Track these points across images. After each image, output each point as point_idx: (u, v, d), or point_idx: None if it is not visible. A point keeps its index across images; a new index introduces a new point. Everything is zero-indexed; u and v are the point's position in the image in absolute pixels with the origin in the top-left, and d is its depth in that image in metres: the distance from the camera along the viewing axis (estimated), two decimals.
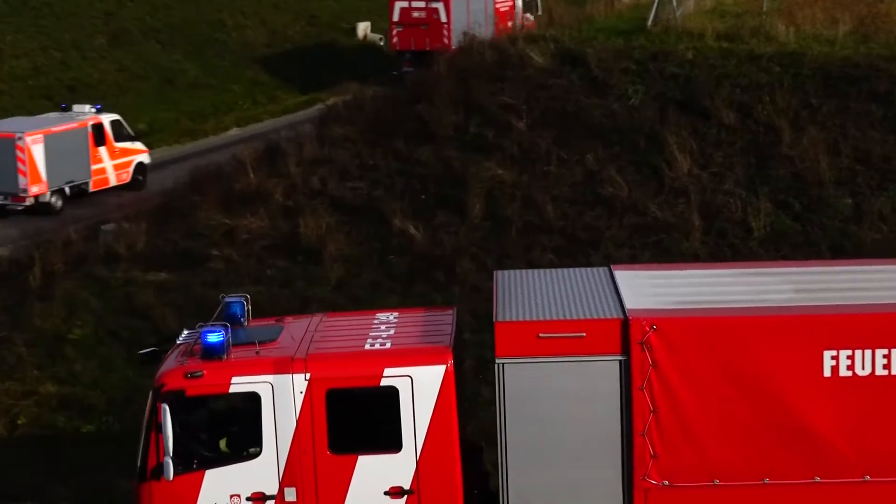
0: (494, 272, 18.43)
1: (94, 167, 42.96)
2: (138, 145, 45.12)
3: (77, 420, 24.58)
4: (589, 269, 18.52)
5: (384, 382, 16.21)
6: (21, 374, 25.66)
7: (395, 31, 58.40)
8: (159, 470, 16.03)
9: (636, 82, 30.26)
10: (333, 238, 28.23)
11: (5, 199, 40.58)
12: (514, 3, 59.79)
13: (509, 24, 52.39)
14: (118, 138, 44.03)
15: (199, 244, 29.16)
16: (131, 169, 44.40)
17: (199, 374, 16.18)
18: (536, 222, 27.70)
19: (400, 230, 28.13)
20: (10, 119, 45.09)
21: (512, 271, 18.96)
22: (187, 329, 17.76)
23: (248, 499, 16.25)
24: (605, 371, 16.02)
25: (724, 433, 15.98)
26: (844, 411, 15.88)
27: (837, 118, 28.45)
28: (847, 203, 26.86)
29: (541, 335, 15.96)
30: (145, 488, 16.33)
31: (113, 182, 43.61)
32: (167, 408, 15.89)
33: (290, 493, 16.23)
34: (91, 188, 42.92)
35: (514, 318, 16.21)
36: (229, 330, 16.51)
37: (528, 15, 57.75)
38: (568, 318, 16.21)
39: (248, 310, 17.73)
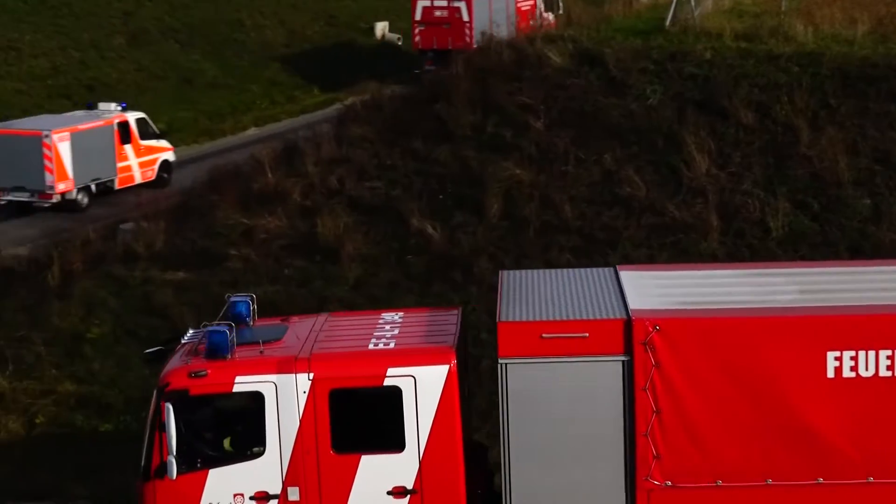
0: (500, 272, 18.44)
1: (119, 165, 43.10)
2: (163, 143, 45.33)
3: (95, 419, 24.72)
4: (594, 270, 18.50)
5: (387, 382, 16.25)
6: (39, 373, 25.83)
7: (417, 30, 58.32)
8: (163, 469, 16.13)
9: (654, 82, 30.15)
10: (351, 238, 28.22)
11: (32, 196, 40.66)
12: (535, 2, 59.60)
13: (531, 22, 52.29)
14: (143, 136, 44.21)
15: (217, 244, 29.21)
16: (156, 166, 44.59)
17: (203, 373, 16.26)
18: (554, 222, 27.60)
19: (417, 230, 28.09)
20: (36, 117, 45.32)
21: (517, 271, 18.96)
22: (193, 329, 17.84)
23: (251, 498, 16.32)
24: (608, 371, 16.01)
25: (727, 434, 15.95)
26: (848, 412, 15.84)
27: (856, 118, 28.30)
28: (865, 203, 26.71)
29: (544, 335, 15.97)
30: (149, 487, 16.44)
31: (138, 180, 43.78)
32: (171, 407, 16.00)
33: (294, 493, 16.28)
34: (117, 185, 43.07)
35: (517, 319, 16.23)
36: (234, 329, 16.58)
37: (549, 14, 57.57)
38: (571, 318, 16.21)
39: (253, 309, 17.78)
